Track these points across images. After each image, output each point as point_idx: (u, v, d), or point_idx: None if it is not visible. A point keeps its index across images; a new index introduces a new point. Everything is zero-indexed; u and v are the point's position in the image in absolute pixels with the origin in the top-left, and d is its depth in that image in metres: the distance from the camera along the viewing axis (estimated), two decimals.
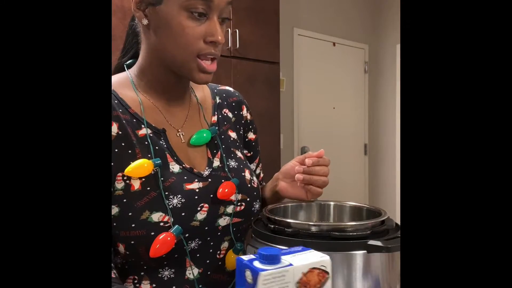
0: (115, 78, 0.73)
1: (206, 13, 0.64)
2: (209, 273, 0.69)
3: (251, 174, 0.77)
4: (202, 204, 0.67)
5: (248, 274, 0.45)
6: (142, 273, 0.66)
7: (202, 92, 0.81)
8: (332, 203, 0.77)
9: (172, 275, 0.66)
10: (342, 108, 3.79)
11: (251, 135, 0.86)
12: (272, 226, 0.60)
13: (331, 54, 3.68)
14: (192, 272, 0.67)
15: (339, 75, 3.77)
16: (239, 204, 0.72)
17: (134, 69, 0.73)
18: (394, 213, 3.66)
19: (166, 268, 0.66)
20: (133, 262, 0.66)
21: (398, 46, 3.76)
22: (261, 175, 0.91)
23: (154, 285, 0.66)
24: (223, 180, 0.71)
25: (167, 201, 0.64)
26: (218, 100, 0.81)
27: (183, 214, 0.65)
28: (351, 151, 3.91)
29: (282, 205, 0.75)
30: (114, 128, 0.65)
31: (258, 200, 0.76)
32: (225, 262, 0.71)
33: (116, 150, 0.65)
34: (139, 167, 0.62)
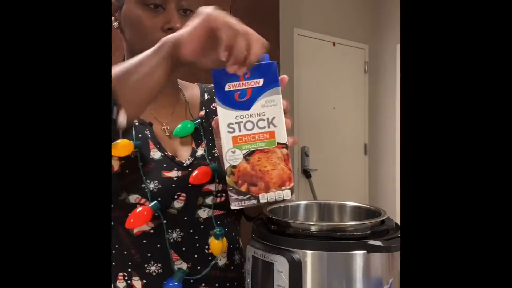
0: None
1: (161, 4, 0.68)
2: (199, 268, 0.70)
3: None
4: (179, 193, 0.68)
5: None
6: (129, 270, 0.67)
7: (191, 91, 0.83)
8: (332, 203, 0.77)
9: (160, 270, 0.67)
10: (342, 108, 3.79)
11: None
12: (272, 226, 0.60)
13: (331, 54, 3.68)
14: (181, 266, 0.68)
15: (339, 75, 3.76)
16: (218, 195, 0.71)
17: None
18: (394, 213, 3.66)
19: (152, 262, 0.67)
20: (119, 256, 0.67)
21: (398, 46, 3.76)
22: None
23: (144, 281, 0.67)
24: None
25: (143, 185, 0.65)
26: (206, 97, 0.83)
27: (159, 199, 0.66)
28: (351, 151, 3.91)
29: (282, 205, 0.75)
30: None
31: None
32: (214, 258, 0.71)
33: None
34: (119, 147, 0.63)
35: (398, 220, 0.59)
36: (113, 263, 0.68)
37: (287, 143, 0.54)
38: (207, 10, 0.53)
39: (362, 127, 4.01)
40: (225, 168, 0.54)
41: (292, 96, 3.32)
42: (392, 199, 3.84)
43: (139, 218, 0.63)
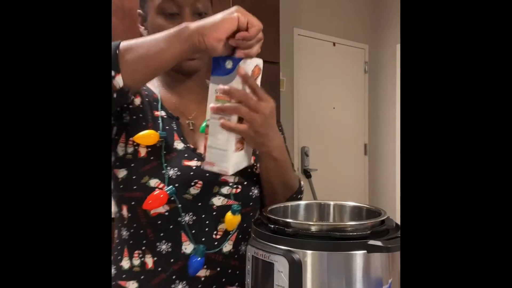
0: None
1: (178, 12, 0.75)
2: (208, 250, 0.74)
3: (255, 161, 0.81)
4: (196, 180, 0.74)
5: (228, 62, 0.64)
6: (143, 248, 0.73)
7: None
8: (332, 203, 0.77)
9: (169, 249, 0.73)
10: (342, 108, 3.79)
11: None
12: (272, 226, 0.60)
13: (331, 54, 3.68)
14: (189, 247, 0.73)
15: (339, 75, 3.76)
16: (234, 186, 0.76)
17: None
18: (394, 213, 3.66)
19: (163, 241, 0.73)
20: (135, 235, 0.74)
21: (398, 46, 3.76)
22: None
23: (155, 259, 0.73)
24: None
25: (164, 171, 0.72)
26: None
27: (177, 185, 0.72)
28: (351, 151, 3.91)
29: (282, 205, 0.75)
30: (138, 101, 0.78)
31: (257, 186, 0.80)
32: (221, 243, 0.75)
33: (134, 117, 0.76)
34: (146, 136, 0.72)
35: (398, 220, 0.59)
36: (131, 242, 0.75)
37: (208, 123, 0.66)
38: (237, 7, 0.62)
39: (362, 127, 4.01)
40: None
41: (292, 96, 3.32)
42: (392, 199, 3.84)
43: (156, 200, 0.69)
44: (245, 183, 0.78)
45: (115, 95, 0.59)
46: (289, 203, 0.76)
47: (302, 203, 0.77)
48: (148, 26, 0.80)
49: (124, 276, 0.75)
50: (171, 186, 0.71)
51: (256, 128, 0.65)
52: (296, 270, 0.54)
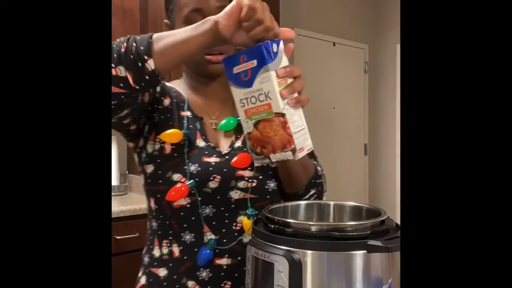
0: (172, 82, 0.93)
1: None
2: (224, 240, 0.79)
3: None
4: (214, 175, 0.80)
5: (274, 46, 0.65)
6: (170, 238, 0.80)
7: None
8: (332, 203, 0.77)
9: (193, 239, 0.79)
10: (342, 108, 3.79)
11: None
12: (272, 226, 0.60)
13: (331, 54, 3.68)
14: (210, 237, 0.79)
15: (339, 75, 3.76)
16: (250, 180, 0.81)
17: (183, 75, 0.94)
18: (394, 213, 3.66)
19: (187, 232, 0.79)
20: (163, 226, 0.81)
21: (398, 46, 3.76)
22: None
23: (181, 248, 0.80)
24: None
25: (185, 167, 0.79)
26: None
27: (197, 179, 0.79)
28: (351, 151, 3.91)
29: (282, 205, 0.75)
30: (167, 102, 0.85)
31: (273, 180, 0.84)
32: (241, 234, 0.80)
33: (163, 117, 0.83)
34: (171, 135, 0.80)
35: (398, 220, 0.59)
36: (159, 232, 0.82)
37: (283, 111, 0.64)
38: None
39: (362, 127, 4.01)
40: (244, 134, 0.69)
41: None
42: (392, 199, 3.84)
43: (178, 192, 0.77)
44: (260, 177, 0.82)
45: (147, 77, 0.66)
46: (289, 203, 0.76)
47: (302, 203, 0.77)
48: None
49: (155, 264, 0.82)
50: (192, 180, 0.78)
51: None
52: (296, 270, 0.54)
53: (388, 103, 3.89)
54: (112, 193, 2.37)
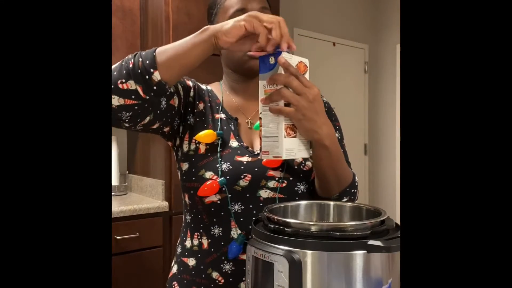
0: (212, 85, 0.98)
1: None
2: (250, 236, 0.79)
3: (304, 159, 0.88)
4: (245, 174, 0.83)
5: (271, 58, 0.71)
6: (201, 230, 0.86)
7: None
8: (332, 203, 0.77)
9: (220, 233, 0.84)
10: (342, 108, 3.79)
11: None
12: (272, 226, 0.60)
13: (331, 54, 3.68)
14: (236, 233, 0.83)
15: (339, 75, 3.76)
16: (280, 181, 0.84)
17: (223, 80, 0.98)
18: (394, 213, 3.66)
19: (216, 226, 0.84)
20: (195, 219, 0.86)
21: (398, 46, 3.76)
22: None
23: (209, 240, 0.85)
24: None
25: (218, 165, 0.83)
26: None
27: (228, 177, 0.82)
28: (351, 151, 3.88)
29: (282, 205, 0.75)
30: (201, 105, 0.90)
31: (303, 182, 0.86)
32: None
33: (198, 119, 0.88)
34: (206, 135, 0.84)
35: (398, 220, 0.59)
36: (192, 225, 0.88)
37: (260, 116, 0.74)
38: (252, 12, 0.71)
39: (362, 127, 4.01)
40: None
41: None
42: (392, 199, 3.84)
43: (210, 188, 0.81)
44: (291, 178, 0.85)
45: (155, 88, 0.72)
46: (289, 203, 0.76)
47: (302, 203, 0.77)
48: None
49: (186, 254, 0.88)
50: (222, 178, 0.82)
51: (303, 111, 0.71)
52: (296, 270, 0.54)
53: (388, 103, 3.89)
54: (112, 193, 2.37)
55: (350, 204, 0.76)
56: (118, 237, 1.92)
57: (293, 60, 0.72)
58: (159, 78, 0.71)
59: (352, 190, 0.87)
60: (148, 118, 0.77)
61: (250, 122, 0.92)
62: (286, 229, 0.58)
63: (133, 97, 0.70)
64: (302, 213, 0.77)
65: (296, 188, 0.85)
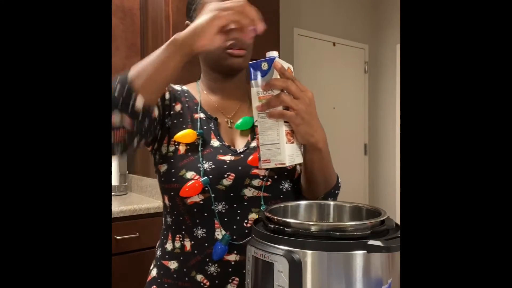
0: (189, 85, 0.95)
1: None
2: (234, 237, 0.80)
3: None
4: (229, 173, 0.81)
5: (264, 64, 0.70)
6: (183, 232, 0.82)
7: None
8: (332, 203, 0.77)
9: (204, 235, 0.81)
10: (342, 108, 3.79)
11: None
12: (272, 226, 0.60)
13: (331, 54, 3.68)
14: (221, 233, 0.80)
15: (339, 75, 3.76)
16: (265, 179, 0.82)
17: (200, 80, 0.95)
18: (394, 213, 3.66)
19: (199, 227, 0.81)
20: (176, 221, 0.83)
21: (398, 46, 3.76)
22: None
23: (192, 242, 0.81)
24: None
25: (199, 165, 0.80)
26: None
27: (211, 176, 0.80)
28: (351, 151, 3.91)
29: (282, 205, 0.75)
30: (178, 107, 0.87)
31: (288, 180, 0.85)
32: (251, 231, 0.80)
33: (175, 121, 0.85)
34: (186, 135, 0.82)
35: (398, 220, 0.59)
36: (173, 227, 0.84)
37: (256, 123, 0.73)
38: (211, 6, 0.67)
39: (362, 127, 4.01)
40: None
41: None
42: (392, 199, 3.84)
43: (192, 188, 0.78)
44: (276, 176, 0.83)
45: (140, 114, 0.68)
46: (289, 203, 0.76)
47: (302, 203, 0.77)
48: None
49: (167, 256, 0.84)
50: (205, 177, 0.79)
51: (302, 115, 0.71)
52: (296, 270, 0.54)
53: (388, 103, 3.89)
54: (112, 193, 2.37)
55: (350, 204, 0.76)
56: (118, 237, 1.92)
57: (284, 65, 0.71)
58: (141, 104, 0.68)
59: (336, 192, 0.88)
60: (136, 140, 0.74)
61: (230, 121, 0.89)
62: (286, 229, 0.58)
63: (120, 126, 0.66)
64: (302, 213, 0.77)
65: (280, 187, 0.84)
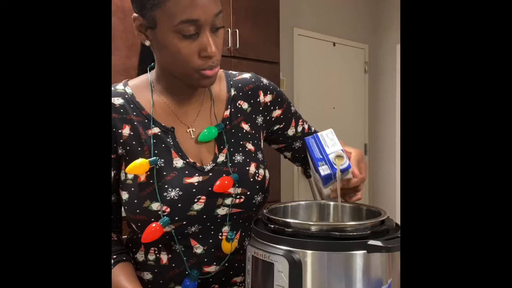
0: (138, 80, 0.82)
1: (197, 32, 0.69)
2: (212, 250, 0.78)
3: (256, 168, 0.81)
4: (199, 196, 0.75)
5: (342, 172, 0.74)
6: (160, 245, 0.77)
7: (218, 87, 0.85)
8: (332, 203, 0.77)
9: (183, 249, 0.76)
10: (342, 108, 3.79)
11: (276, 113, 0.89)
12: (272, 226, 0.60)
13: (331, 54, 3.68)
14: (199, 249, 0.77)
15: (339, 75, 3.76)
16: (238, 197, 0.78)
17: (153, 73, 0.81)
18: (394, 213, 3.66)
19: (176, 244, 0.76)
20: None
21: (398, 46, 3.76)
22: (309, 128, 0.97)
23: (170, 256, 0.77)
24: (223, 175, 0.76)
25: (165, 193, 0.73)
26: (233, 92, 0.85)
27: (179, 205, 0.73)
28: None
29: (282, 205, 0.75)
30: (127, 130, 0.76)
31: (260, 193, 0.80)
32: (226, 240, 0.78)
33: (128, 148, 0.75)
34: (138, 167, 0.71)
35: (398, 220, 0.59)
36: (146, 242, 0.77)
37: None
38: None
39: (362, 127, 4.01)
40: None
41: (292, 96, 3.32)
42: (392, 199, 3.84)
43: (151, 233, 0.72)
44: (248, 193, 0.78)
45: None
46: (289, 203, 0.76)
47: (302, 203, 0.78)
48: (154, 38, 0.72)
49: (138, 267, 0.79)
50: (165, 218, 0.72)
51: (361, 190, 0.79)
52: (296, 270, 0.55)
53: (388, 103, 3.89)
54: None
55: (350, 204, 0.76)
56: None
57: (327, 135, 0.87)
58: None
59: None
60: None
61: (192, 131, 0.79)
62: (286, 229, 0.58)
63: None
64: (302, 213, 0.77)
65: (253, 201, 0.79)
